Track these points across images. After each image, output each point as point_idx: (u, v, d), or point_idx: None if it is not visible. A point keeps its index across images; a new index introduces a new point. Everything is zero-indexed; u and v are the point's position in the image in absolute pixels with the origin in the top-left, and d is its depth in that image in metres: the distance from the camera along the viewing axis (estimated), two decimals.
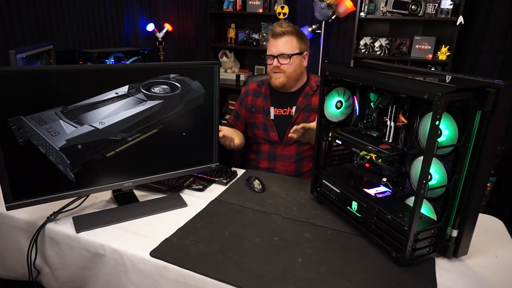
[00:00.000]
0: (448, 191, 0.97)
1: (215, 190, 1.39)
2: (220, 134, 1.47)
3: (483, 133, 0.89)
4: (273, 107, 1.72)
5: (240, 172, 1.56)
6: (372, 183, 1.21)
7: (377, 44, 3.16)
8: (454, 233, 0.98)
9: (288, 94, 1.71)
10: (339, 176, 1.27)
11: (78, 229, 1.09)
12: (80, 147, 1.10)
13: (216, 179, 1.45)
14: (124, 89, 1.14)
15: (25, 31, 3.03)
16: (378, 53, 3.16)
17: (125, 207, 1.24)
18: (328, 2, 3.05)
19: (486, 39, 2.81)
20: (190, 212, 1.22)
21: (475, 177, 0.92)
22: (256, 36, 3.74)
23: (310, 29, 3.27)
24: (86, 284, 1.12)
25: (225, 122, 1.87)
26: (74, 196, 1.16)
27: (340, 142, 1.19)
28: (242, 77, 3.75)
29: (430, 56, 3.02)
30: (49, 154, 1.06)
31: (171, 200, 1.30)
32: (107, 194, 1.31)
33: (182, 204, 1.27)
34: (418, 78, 0.91)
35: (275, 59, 1.61)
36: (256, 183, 1.40)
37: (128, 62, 3.28)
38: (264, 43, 3.67)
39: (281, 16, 3.24)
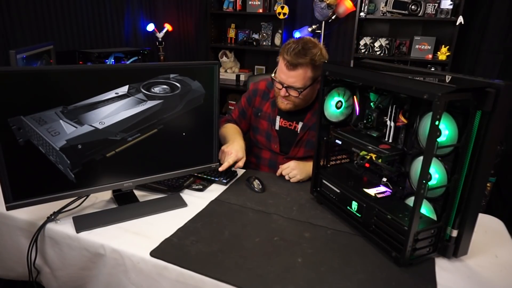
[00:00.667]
0: (448, 191, 0.97)
1: (215, 190, 1.39)
2: (232, 160, 1.43)
3: (483, 133, 0.89)
4: (279, 117, 1.63)
5: (240, 172, 1.56)
6: (372, 183, 1.21)
7: (377, 44, 3.16)
8: (454, 233, 0.98)
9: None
10: (339, 176, 1.27)
11: (78, 229, 1.09)
12: (80, 147, 1.10)
13: (216, 179, 1.45)
14: (124, 89, 1.14)
15: (25, 31, 3.04)
16: (378, 53, 3.17)
17: (125, 207, 1.24)
18: (328, 2, 3.06)
19: (486, 39, 2.81)
20: (190, 212, 1.22)
21: (475, 177, 0.92)
22: (256, 36, 3.74)
23: (310, 29, 3.27)
24: (86, 284, 1.12)
25: (229, 113, 1.79)
26: (74, 196, 1.16)
27: (340, 142, 1.19)
28: (242, 77, 3.75)
29: (430, 56, 3.02)
30: (49, 154, 1.06)
31: (171, 200, 1.30)
32: (107, 194, 1.31)
33: (182, 204, 1.27)
34: (418, 78, 0.91)
35: (284, 89, 1.47)
36: (256, 183, 1.40)
37: (128, 62, 3.28)
38: (264, 43, 3.68)
39: (281, 16, 3.24)
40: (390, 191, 1.15)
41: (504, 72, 2.67)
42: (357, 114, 1.25)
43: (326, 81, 1.21)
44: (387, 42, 3.13)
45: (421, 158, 0.91)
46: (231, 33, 3.80)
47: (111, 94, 1.12)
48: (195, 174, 1.46)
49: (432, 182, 0.98)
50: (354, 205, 1.15)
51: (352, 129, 1.27)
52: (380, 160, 1.06)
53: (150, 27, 3.83)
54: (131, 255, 1.01)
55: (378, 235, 1.06)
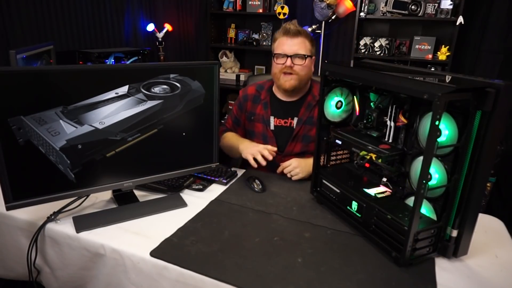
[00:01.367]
0: (448, 191, 0.97)
1: (215, 190, 1.39)
2: (266, 154, 1.42)
3: (483, 133, 0.89)
4: (273, 117, 1.63)
5: (240, 172, 1.56)
6: (372, 183, 1.21)
7: (377, 44, 3.16)
8: (454, 233, 0.98)
9: (289, 103, 1.63)
10: (339, 176, 1.27)
11: (78, 229, 1.09)
12: (80, 147, 1.10)
13: (216, 179, 1.45)
14: (124, 89, 1.14)
15: (25, 31, 3.03)
16: (378, 53, 3.16)
17: (125, 207, 1.24)
18: (328, 2, 3.06)
19: (486, 39, 2.81)
20: (190, 212, 1.22)
21: (475, 177, 0.92)
22: (256, 36, 3.74)
23: (310, 29, 3.27)
24: (86, 284, 1.12)
25: (223, 123, 1.81)
26: (74, 196, 1.16)
27: (340, 142, 1.19)
28: (242, 77, 3.75)
29: (430, 56, 3.02)
30: (49, 154, 1.06)
31: (171, 200, 1.30)
32: (107, 194, 1.31)
33: (182, 204, 1.27)
34: (418, 78, 0.91)
35: (289, 59, 1.49)
36: (256, 183, 1.41)
37: (128, 62, 3.28)
38: (264, 43, 3.68)
39: (281, 16, 3.24)
40: (390, 191, 1.15)
41: (504, 72, 2.67)
42: (357, 114, 1.25)
43: (326, 81, 1.21)
44: (387, 42, 3.13)
45: (421, 158, 0.91)
46: (231, 33, 3.80)
47: (111, 94, 1.12)
48: (195, 174, 1.46)
49: (432, 182, 0.98)
50: (354, 205, 1.15)
51: (352, 129, 1.27)
52: (380, 160, 1.06)
53: (150, 27, 3.83)
54: (131, 255, 1.01)
55: (378, 235, 1.06)
